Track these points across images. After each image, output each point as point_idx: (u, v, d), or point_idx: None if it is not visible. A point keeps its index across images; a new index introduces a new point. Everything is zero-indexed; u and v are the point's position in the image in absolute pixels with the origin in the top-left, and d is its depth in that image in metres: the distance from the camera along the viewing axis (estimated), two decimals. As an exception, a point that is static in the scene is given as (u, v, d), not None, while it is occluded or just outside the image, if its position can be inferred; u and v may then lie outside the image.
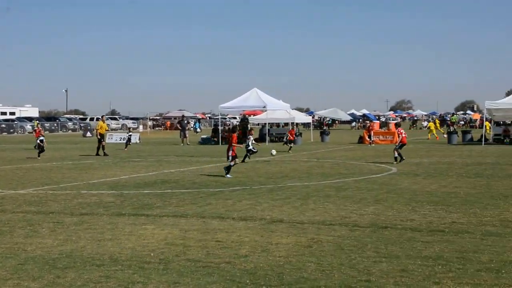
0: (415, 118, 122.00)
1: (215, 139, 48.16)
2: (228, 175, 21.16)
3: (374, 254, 9.43)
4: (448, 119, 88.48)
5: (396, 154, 26.61)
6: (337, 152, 35.99)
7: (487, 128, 50.84)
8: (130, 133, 43.61)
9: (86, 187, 18.98)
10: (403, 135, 27.31)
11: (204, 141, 49.00)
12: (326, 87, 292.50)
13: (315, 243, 10.32)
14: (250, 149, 27.67)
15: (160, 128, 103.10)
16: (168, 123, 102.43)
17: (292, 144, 38.41)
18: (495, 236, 10.73)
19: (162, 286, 7.87)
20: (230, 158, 21.54)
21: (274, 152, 30.54)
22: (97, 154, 34.19)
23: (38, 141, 32.98)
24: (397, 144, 27.32)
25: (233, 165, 21.71)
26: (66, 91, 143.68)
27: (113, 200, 15.90)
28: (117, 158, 32.38)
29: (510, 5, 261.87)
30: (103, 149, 34.44)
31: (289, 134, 39.14)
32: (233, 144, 21.75)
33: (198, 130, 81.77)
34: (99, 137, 34.97)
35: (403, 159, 26.42)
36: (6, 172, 24.63)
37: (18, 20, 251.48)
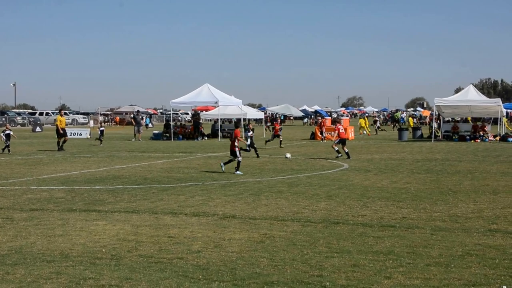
0: (366, 114, 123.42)
1: (167, 134, 47.89)
2: (238, 172, 20.89)
3: (326, 249, 9.51)
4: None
5: (336, 149, 27.27)
6: (290, 148, 36.13)
7: (411, 123, 56.11)
8: (103, 128, 42.10)
9: (36, 182, 18.65)
10: (340, 131, 27.85)
11: (156, 137, 48.66)
12: (277, 83, 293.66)
13: (268, 239, 10.36)
14: (252, 143, 28.33)
15: (110, 124, 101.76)
16: (118, 118, 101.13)
17: (281, 138, 37.38)
18: (444, 231, 10.93)
19: (114, 282, 7.79)
20: (238, 153, 21.40)
21: (288, 155, 27.67)
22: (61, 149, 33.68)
23: (4, 136, 32.10)
24: (335, 139, 28.16)
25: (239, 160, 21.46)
26: (14, 85, 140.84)
27: (63, 195, 15.66)
28: (68, 153, 31.90)
29: (461, 1, 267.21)
30: (61, 144, 33.87)
31: (275, 128, 38.17)
32: (238, 138, 21.77)
33: (150, 125, 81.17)
34: (61, 131, 34.27)
35: (339, 156, 27.17)
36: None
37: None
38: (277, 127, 38.12)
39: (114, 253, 9.36)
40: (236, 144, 21.50)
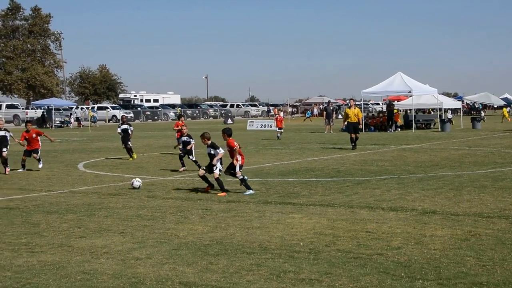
0: None
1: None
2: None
3: (542, 250, 8.69)
4: None
5: None
6: (491, 139, 34.03)
7: None
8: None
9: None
10: None
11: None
12: (474, 70, 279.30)
13: (473, 236, 9.72)
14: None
15: (302, 115, 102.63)
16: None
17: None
18: None
19: (314, 276, 7.68)
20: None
21: (136, 184, 16.18)
22: None
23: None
24: None
25: None
26: (206, 77, 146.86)
27: (258, 188, 15.87)
28: (259, 145, 32.55)
29: None
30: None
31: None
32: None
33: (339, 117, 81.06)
34: None
35: None
36: (154, 158, 25.48)
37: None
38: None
39: (312, 247, 9.25)
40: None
